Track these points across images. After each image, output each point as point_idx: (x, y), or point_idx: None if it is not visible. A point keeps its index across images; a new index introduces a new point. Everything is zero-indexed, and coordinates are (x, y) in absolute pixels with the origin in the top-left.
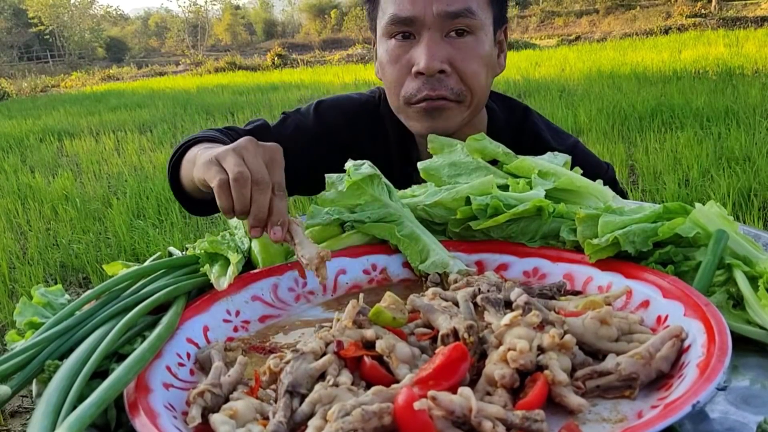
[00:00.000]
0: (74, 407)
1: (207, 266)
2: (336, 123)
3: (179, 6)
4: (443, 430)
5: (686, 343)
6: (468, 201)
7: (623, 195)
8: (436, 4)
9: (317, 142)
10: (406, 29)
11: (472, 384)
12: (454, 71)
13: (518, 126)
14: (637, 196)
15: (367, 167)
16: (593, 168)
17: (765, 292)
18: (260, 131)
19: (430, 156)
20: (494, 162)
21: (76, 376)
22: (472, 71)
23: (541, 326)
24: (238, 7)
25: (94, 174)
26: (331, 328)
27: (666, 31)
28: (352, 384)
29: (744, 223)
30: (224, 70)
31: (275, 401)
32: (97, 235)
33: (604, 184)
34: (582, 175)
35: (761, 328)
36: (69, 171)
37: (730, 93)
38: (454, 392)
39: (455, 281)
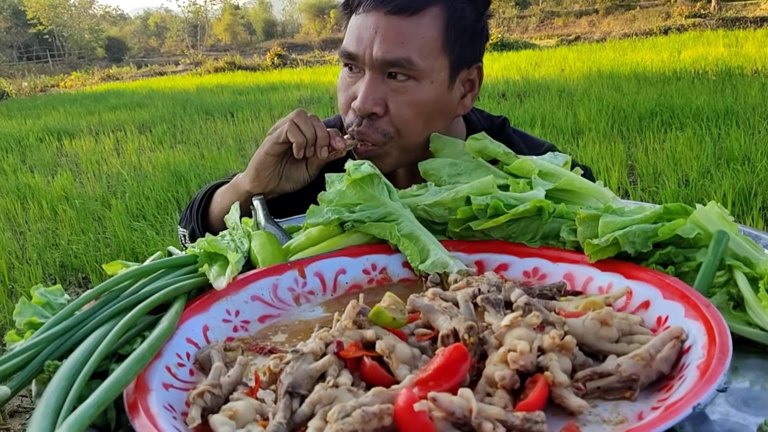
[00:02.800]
0: (74, 408)
1: (206, 266)
2: None
3: (179, 6)
4: (443, 431)
5: (687, 345)
6: (468, 201)
7: None
8: (376, 48)
9: None
10: (352, 63)
11: (473, 385)
12: (387, 113)
13: (494, 135)
14: (637, 196)
15: (366, 166)
16: None
17: (765, 293)
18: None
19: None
20: (494, 162)
21: (76, 377)
22: (404, 117)
23: (541, 327)
24: (237, 7)
25: (94, 174)
26: (330, 328)
27: (665, 32)
28: (352, 385)
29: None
30: (224, 70)
31: (275, 402)
32: (96, 234)
33: None
34: None
35: (762, 329)
36: (68, 171)
37: (730, 93)
38: (455, 393)
39: (455, 281)
